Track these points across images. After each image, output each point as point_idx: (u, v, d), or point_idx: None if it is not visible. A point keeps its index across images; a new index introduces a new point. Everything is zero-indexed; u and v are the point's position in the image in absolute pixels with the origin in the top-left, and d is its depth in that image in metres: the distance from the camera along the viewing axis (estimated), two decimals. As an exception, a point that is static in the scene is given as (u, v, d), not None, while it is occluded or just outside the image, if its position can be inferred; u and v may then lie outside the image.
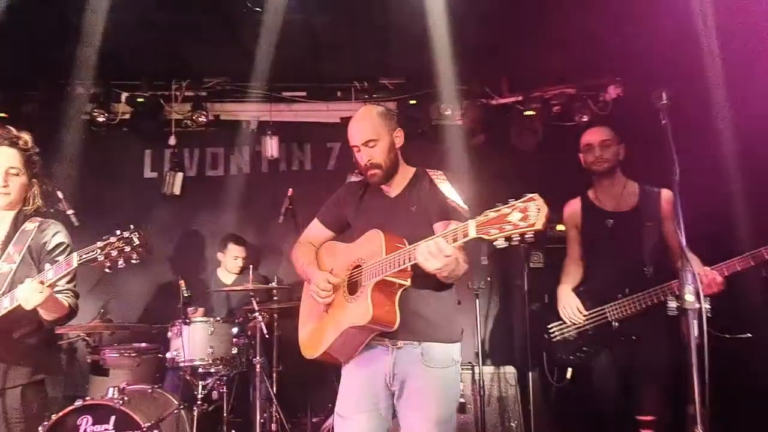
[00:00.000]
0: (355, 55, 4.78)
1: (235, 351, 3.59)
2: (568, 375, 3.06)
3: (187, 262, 5.19)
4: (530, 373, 4.16)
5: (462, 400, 3.88)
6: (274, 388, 3.67)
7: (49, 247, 2.23)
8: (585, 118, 4.57)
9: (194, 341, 3.49)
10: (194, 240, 5.29)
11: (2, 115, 4.86)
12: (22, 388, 2.12)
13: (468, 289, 4.16)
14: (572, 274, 3.19)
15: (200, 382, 3.53)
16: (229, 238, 4.70)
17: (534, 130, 4.57)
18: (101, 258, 1.95)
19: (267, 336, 3.57)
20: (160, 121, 5.14)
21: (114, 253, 1.95)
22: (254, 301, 3.67)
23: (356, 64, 4.97)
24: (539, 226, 1.62)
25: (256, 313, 3.56)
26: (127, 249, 1.95)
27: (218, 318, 3.72)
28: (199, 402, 3.46)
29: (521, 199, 1.66)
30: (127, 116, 5.12)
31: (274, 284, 4.03)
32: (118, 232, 1.99)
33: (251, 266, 4.03)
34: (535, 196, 1.65)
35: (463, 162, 4.85)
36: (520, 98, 4.66)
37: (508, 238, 1.66)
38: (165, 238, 5.20)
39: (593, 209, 3.17)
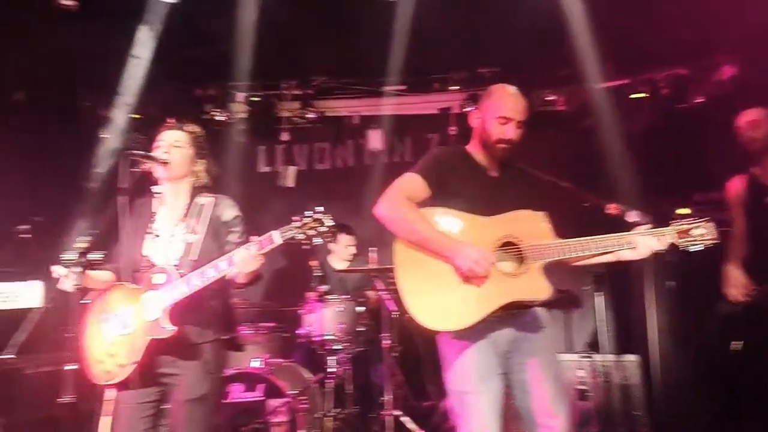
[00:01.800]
0: (451, 45, 4.90)
1: (361, 329, 3.86)
2: (737, 346, 3.13)
3: (299, 249, 5.51)
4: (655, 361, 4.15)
5: (583, 387, 3.93)
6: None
7: (227, 219, 2.47)
8: (700, 100, 4.47)
9: (327, 318, 3.79)
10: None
11: (136, 116, 5.42)
12: (213, 344, 2.38)
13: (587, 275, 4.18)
14: (737, 252, 3.25)
15: (330, 357, 3.80)
16: (340, 228, 4.98)
17: (643, 113, 4.51)
18: (300, 236, 2.22)
19: (396, 315, 3.80)
20: (272, 118, 5.52)
21: (311, 232, 2.21)
22: (381, 282, 3.91)
23: (452, 54, 5.09)
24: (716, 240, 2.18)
25: (383, 292, 3.80)
26: (322, 228, 2.20)
27: (347, 296, 4.01)
28: (329, 374, 3.74)
29: (702, 219, 2.19)
30: (243, 115, 5.53)
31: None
32: (309, 213, 2.24)
33: (370, 249, 4.28)
34: (709, 220, 2.20)
35: (567, 147, 4.89)
36: (628, 81, 4.61)
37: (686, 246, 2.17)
38: (279, 227, 5.57)
39: (759, 187, 3.22)
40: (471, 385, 2.23)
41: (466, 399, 2.23)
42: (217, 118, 5.42)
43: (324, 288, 4.09)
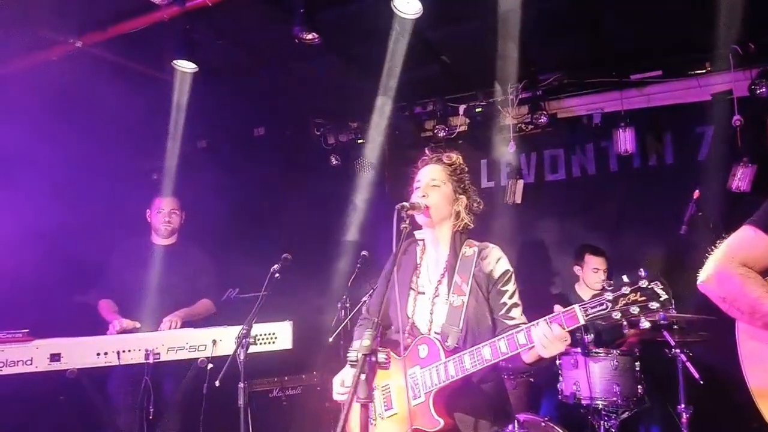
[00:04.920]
0: (727, 11, 3.69)
1: (640, 390, 3.02)
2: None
3: (533, 274, 4.87)
4: None
5: None
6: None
7: (496, 275, 2.07)
8: None
9: (597, 376, 3.07)
10: (539, 250, 4.95)
11: (361, 141, 5.45)
12: None
13: None
14: None
15: (603, 422, 3.09)
16: (585, 248, 4.18)
17: None
18: (616, 316, 1.61)
19: (701, 381, 2.87)
20: (496, 128, 4.98)
21: (635, 310, 1.59)
22: (669, 334, 3.00)
23: (729, 24, 3.86)
24: None
25: (676, 350, 2.90)
26: (653, 305, 1.56)
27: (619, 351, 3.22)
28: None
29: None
30: (464, 128, 5.11)
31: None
32: (626, 278, 1.62)
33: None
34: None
35: None
36: None
37: None
38: (507, 248, 5.00)
39: None
40: None
41: None
42: (439, 134, 5.12)
43: (589, 337, 3.29)
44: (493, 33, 3.74)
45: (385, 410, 1.98)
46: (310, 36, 3.18)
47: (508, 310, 1.99)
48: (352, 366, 1.51)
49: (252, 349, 2.78)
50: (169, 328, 3.45)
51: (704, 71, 4.26)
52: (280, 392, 4.20)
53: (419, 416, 1.85)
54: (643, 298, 1.56)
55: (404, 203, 1.99)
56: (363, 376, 1.43)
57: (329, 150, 5.59)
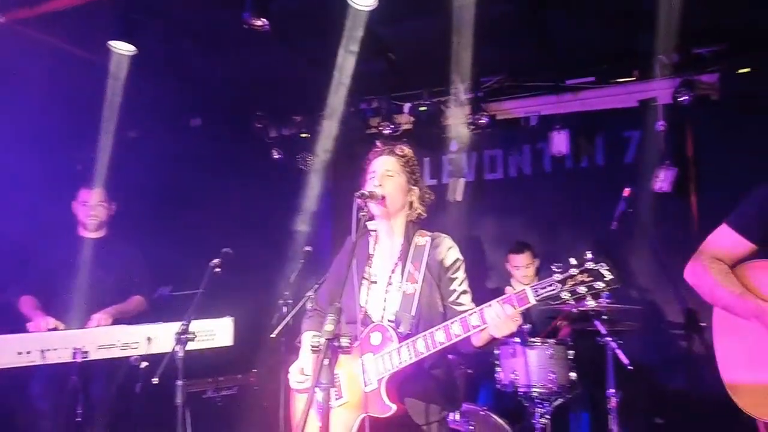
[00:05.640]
0: (655, 22, 3.95)
1: (574, 377, 3.16)
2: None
3: (470, 269, 4.99)
4: None
5: None
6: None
7: (448, 263, 2.10)
8: None
9: (534, 365, 3.20)
10: (477, 246, 5.09)
11: (305, 135, 5.37)
12: (440, 424, 2.00)
13: None
14: None
15: (537, 409, 3.21)
16: (511, 247, 4.33)
17: None
18: (565, 295, 1.66)
19: (629, 367, 3.03)
20: (439, 127, 5.06)
21: (582, 290, 1.64)
22: (600, 323, 3.16)
23: (658, 32, 4.13)
24: None
25: (608, 338, 3.05)
26: (599, 285, 1.62)
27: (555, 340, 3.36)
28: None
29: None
30: (408, 126, 5.16)
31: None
32: (574, 260, 1.67)
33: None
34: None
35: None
36: None
37: None
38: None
39: None
40: None
41: None
42: (384, 131, 5.14)
43: (527, 327, 3.40)
44: (443, 33, 3.79)
45: (336, 399, 1.97)
46: (259, 22, 3.10)
47: (458, 297, 2.04)
48: (314, 352, 1.48)
49: (190, 346, 2.68)
50: (98, 325, 3.25)
51: (633, 79, 4.53)
52: (214, 393, 4.06)
53: (371, 403, 1.86)
54: (590, 278, 1.63)
55: (363, 191, 1.99)
56: (326, 362, 1.41)
57: (271, 143, 5.48)
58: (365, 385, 1.88)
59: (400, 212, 2.17)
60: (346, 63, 4.00)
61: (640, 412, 3.87)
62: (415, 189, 2.20)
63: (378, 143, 2.29)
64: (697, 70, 4.20)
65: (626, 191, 3.47)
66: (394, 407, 1.83)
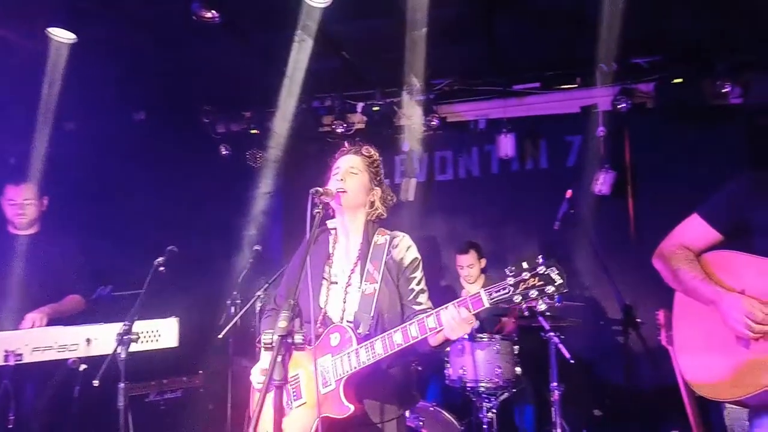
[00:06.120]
0: (597, 32, 4.15)
1: (519, 371, 3.27)
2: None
3: (423, 269, 5.06)
4: None
5: None
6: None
7: (406, 262, 2.11)
8: None
9: (482, 361, 3.27)
10: (428, 245, 5.16)
11: (254, 131, 5.28)
12: (398, 422, 2.02)
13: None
14: None
15: (485, 404, 3.29)
16: (468, 246, 4.42)
17: None
18: (517, 299, 1.70)
19: (572, 361, 3.16)
20: (392, 128, 5.11)
21: (533, 293, 1.69)
22: (544, 319, 3.28)
23: (599, 43, 4.33)
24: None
25: (551, 333, 3.17)
26: (549, 289, 1.67)
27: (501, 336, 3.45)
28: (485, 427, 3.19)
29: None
30: (362, 126, 5.17)
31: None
32: (526, 264, 1.72)
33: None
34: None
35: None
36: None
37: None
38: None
39: None
40: None
41: None
42: (337, 130, 5.12)
43: (476, 324, 3.50)
44: (397, 33, 3.82)
45: (294, 400, 1.95)
46: (209, 14, 3.02)
47: (416, 296, 2.06)
48: (267, 350, 1.46)
49: (133, 347, 2.59)
50: (33, 327, 3.08)
51: (575, 86, 4.73)
52: (157, 396, 3.92)
53: (329, 404, 1.85)
54: (541, 282, 1.69)
55: (317, 188, 1.98)
56: (279, 359, 1.40)
57: (219, 139, 5.36)
58: (324, 386, 1.87)
59: (360, 210, 2.17)
60: (299, 59, 3.96)
61: (582, 405, 4.04)
62: (377, 190, 2.22)
63: (345, 143, 2.30)
64: (635, 79, 4.44)
65: (568, 193, 3.63)
66: (352, 408, 1.83)
